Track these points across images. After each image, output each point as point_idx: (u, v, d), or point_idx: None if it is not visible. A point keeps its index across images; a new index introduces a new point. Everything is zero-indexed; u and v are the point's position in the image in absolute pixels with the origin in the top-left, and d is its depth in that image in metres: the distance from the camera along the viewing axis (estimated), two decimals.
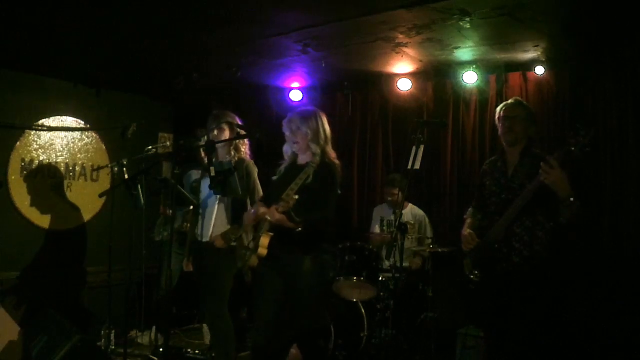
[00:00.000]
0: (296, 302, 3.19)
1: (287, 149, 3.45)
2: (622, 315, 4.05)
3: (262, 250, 3.12)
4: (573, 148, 2.86)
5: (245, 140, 3.99)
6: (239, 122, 3.96)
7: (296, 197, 3.03)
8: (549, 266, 3.12)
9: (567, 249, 3.99)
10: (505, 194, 3.19)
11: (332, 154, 3.34)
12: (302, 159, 3.37)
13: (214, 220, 3.84)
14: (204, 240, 3.87)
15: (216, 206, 3.85)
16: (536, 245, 3.09)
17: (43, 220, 5.30)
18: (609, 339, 4.05)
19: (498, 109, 3.38)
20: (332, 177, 3.25)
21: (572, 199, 2.90)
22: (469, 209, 3.59)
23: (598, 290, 4.17)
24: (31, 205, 5.23)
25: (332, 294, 4.51)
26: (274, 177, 3.46)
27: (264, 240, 3.12)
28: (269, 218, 3.12)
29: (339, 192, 3.31)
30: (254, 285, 3.41)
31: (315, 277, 3.18)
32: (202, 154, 4.45)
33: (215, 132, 3.88)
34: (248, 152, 4.00)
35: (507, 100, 4.98)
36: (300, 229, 3.10)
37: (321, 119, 3.35)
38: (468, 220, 3.49)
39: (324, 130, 3.34)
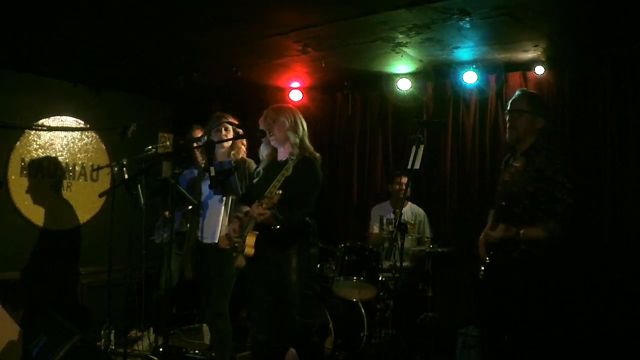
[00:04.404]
0: (285, 297, 3.16)
1: (263, 150, 3.40)
2: (621, 314, 4.05)
3: (250, 250, 3.09)
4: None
5: (245, 141, 3.99)
6: (237, 123, 3.96)
7: (280, 192, 3.00)
8: (548, 264, 3.03)
9: (566, 248, 3.98)
10: (505, 201, 2.97)
11: (311, 147, 3.31)
12: (282, 154, 3.32)
13: (221, 221, 3.83)
14: (206, 242, 3.86)
15: (222, 207, 3.85)
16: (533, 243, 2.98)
17: (43, 220, 5.29)
18: (608, 338, 4.05)
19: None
20: (312, 171, 3.22)
21: (522, 231, 2.86)
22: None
23: (598, 290, 4.16)
24: (31, 205, 5.22)
25: (332, 294, 4.52)
26: (254, 180, 3.40)
27: (251, 240, 3.09)
28: (254, 216, 3.10)
29: (321, 186, 3.25)
30: (246, 286, 3.40)
31: (303, 272, 3.18)
32: (199, 155, 4.47)
33: (216, 133, 3.88)
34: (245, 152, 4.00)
35: (507, 100, 4.99)
36: (279, 226, 3.08)
37: (297, 112, 3.33)
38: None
39: (302, 122, 3.31)
